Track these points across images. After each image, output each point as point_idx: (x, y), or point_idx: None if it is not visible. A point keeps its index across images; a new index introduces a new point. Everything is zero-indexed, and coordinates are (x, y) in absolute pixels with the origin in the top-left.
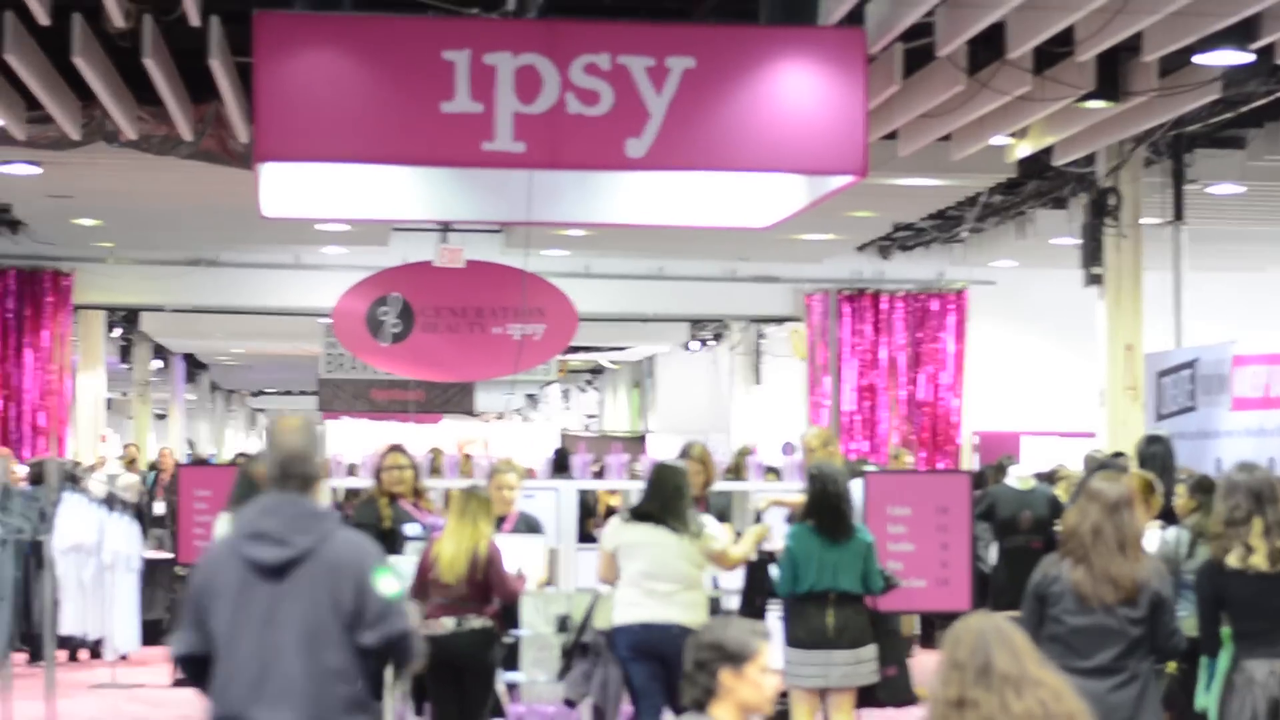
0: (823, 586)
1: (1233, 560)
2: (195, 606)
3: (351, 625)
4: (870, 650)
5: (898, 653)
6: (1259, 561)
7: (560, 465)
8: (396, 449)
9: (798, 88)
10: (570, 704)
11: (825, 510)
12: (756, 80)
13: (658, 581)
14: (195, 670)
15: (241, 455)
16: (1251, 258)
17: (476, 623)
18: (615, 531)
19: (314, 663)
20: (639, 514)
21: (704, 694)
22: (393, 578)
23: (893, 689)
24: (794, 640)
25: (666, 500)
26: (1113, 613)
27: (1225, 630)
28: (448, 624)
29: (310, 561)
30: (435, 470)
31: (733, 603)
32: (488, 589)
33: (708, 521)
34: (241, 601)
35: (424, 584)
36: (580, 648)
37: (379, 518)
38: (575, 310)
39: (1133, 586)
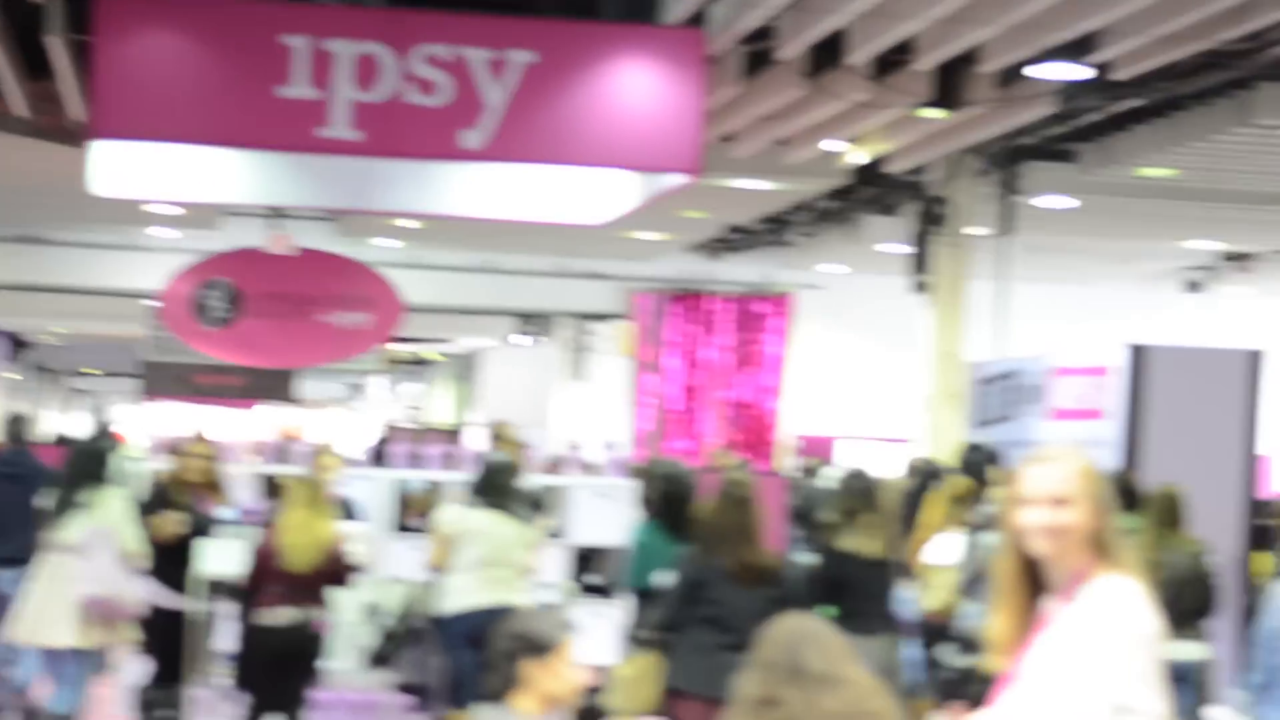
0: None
1: None
2: None
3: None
4: None
5: None
6: None
7: (382, 455)
8: (200, 438)
9: (636, 85)
10: (406, 690)
11: (672, 508)
12: (596, 76)
13: (496, 568)
14: None
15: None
16: (1078, 271)
17: (316, 613)
18: (453, 518)
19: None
20: (478, 501)
21: (506, 684)
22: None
23: None
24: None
25: (504, 487)
26: (755, 594)
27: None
28: (288, 614)
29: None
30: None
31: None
32: (331, 577)
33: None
34: None
35: (262, 573)
36: (410, 634)
37: (167, 502)
38: (402, 300)
39: (764, 570)
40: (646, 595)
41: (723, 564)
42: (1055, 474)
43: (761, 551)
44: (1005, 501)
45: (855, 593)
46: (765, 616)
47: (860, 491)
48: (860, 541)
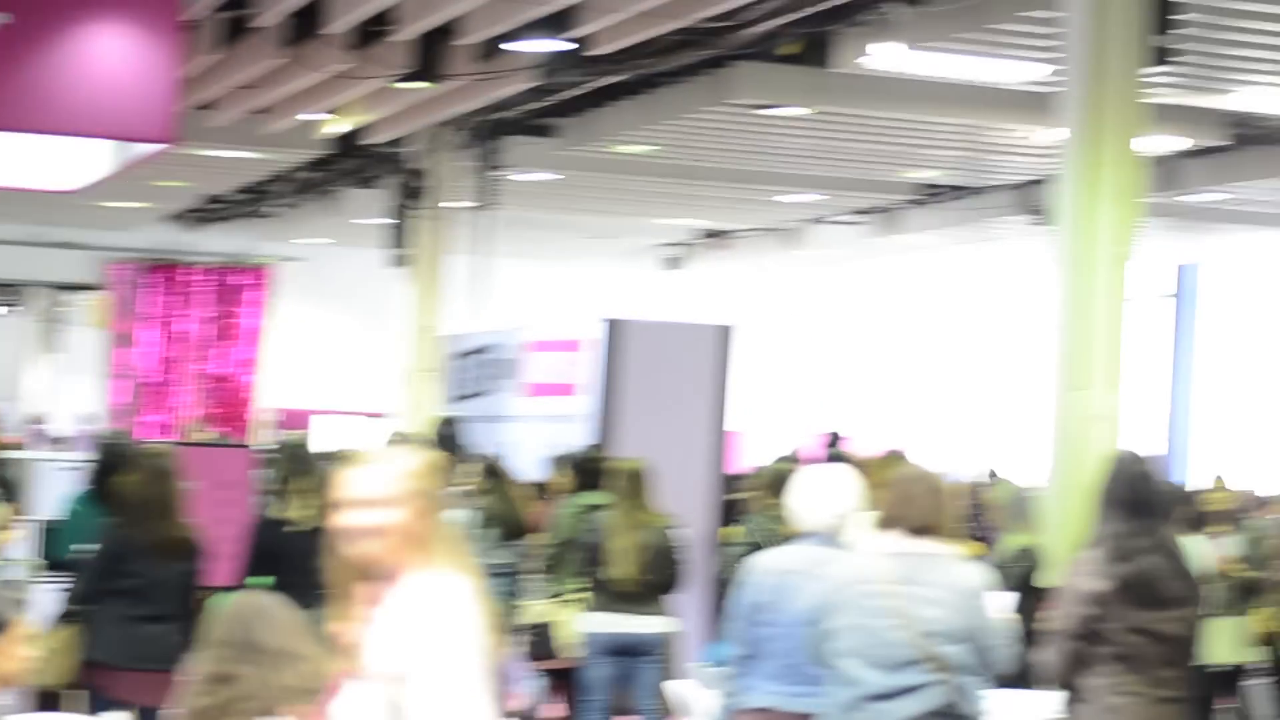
0: None
1: None
2: None
3: None
4: None
5: None
6: None
7: None
8: None
9: (108, 51)
10: None
11: (103, 480)
12: (68, 41)
13: None
14: None
15: None
16: (559, 246)
17: None
18: None
19: None
20: None
21: None
22: None
23: None
24: None
25: None
26: (173, 567)
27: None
28: None
29: None
30: None
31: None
32: None
33: None
34: None
35: None
36: None
37: None
38: None
39: (181, 544)
40: (72, 567)
41: (142, 536)
42: (374, 476)
43: (179, 525)
44: (330, 504)
45: (290, 563)
46: (183, 589)
47: (296, 460)
48: (294, 510)
